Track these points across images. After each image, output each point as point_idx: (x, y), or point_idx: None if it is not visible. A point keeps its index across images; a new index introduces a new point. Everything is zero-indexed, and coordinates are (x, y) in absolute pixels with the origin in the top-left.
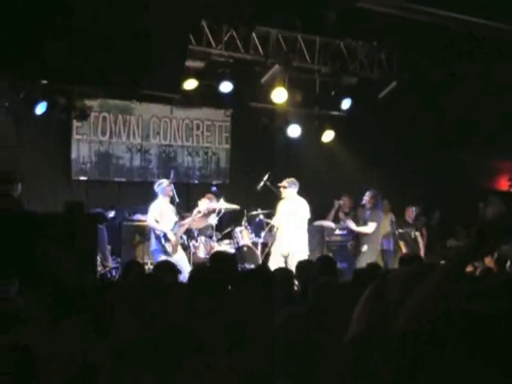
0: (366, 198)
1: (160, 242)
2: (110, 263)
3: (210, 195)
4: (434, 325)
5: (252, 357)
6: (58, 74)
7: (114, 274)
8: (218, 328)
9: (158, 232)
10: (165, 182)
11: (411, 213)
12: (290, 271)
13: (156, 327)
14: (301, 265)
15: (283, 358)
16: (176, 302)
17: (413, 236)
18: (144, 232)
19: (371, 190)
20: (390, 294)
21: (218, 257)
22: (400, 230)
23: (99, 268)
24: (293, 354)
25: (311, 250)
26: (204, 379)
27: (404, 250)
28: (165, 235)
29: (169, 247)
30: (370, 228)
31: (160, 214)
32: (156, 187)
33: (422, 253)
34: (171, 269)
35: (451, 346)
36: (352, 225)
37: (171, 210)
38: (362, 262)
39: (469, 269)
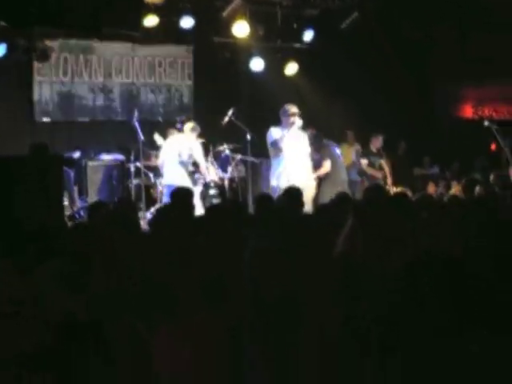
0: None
1: None
2: (78, 204)
3: (171, 130)
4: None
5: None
6: (16, 15)
7: (81, 214)
8: (192, 266)
9: None
10: None
11: (377, 142)
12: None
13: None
14: (258, 198)
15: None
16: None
17: (377, 165)
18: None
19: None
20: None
21: (178, 193)
22: (364, 160)
23: (67, 211)
24: (264, 288)
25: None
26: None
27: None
28: None
29: None
30: (324, 169)
31: None
32: None
33: (388, 181)
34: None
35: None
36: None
37: None
38: (325, 197)
39: (431, 191)
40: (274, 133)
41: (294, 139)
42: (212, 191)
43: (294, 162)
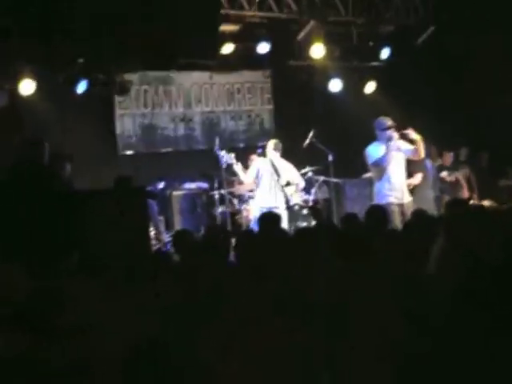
0: None
1: None
2: (164, 237)
3: (253, 156)
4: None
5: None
6: (95, 52)
7: (168, 248)
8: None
9: None
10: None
11: (449, 158)
12: (336, 226)
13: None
14: (346, 217)
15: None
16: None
17: (453, 179)
18: (195, 199)
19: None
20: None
21: (265, 218)
22: (444, 173)
23: (154, 242)
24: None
25: (361, 204)
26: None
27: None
28: None
29: None
30: (416, 179)
31: None
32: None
33: (465, 194)
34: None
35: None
36: None
37: None
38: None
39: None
40: (372, 151)
41: (393, 154)
42: (304, 211)
43: (397, 177)
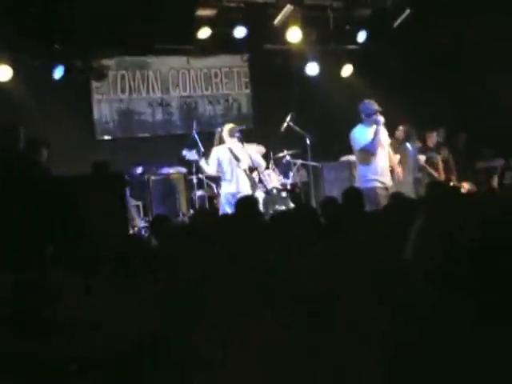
0: (398, 131)
1: None
2: (139, 223)
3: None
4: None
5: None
6: (71, 37)
7: (143, 233)
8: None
9: None
10: None
11: (432, 137)
12: (315, 209)
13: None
14: (325, 201)
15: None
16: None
17: (435, 160)
18: (173, 184)
19: (404, 123)
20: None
21: (243, 203)
22: (421, 156)
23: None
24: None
25: (340, 187)
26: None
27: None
28: None
29: None
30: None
31: None
32: None
33: (441, 176)
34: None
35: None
36: None
37: None
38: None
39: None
40: (359, 135)
41: (381, 136)
42: (283, 194)
43: (381, 161)
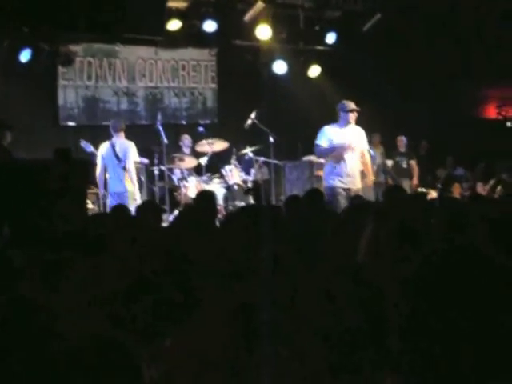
0: None
1: None
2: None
3: (185, 135)
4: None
5: (242, 293)
6: (40, 19)
7: None
8: (209, 267)
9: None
10: None
11: (401, 142)
12: (279, 207)
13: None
14: (288, 200)
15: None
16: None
17: (405, 165)
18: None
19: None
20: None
21: (203, 196)
22: (389, 161)
23: None
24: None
25: (300, 186)
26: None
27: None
28: None
29: None
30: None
31: None
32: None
33: (414, 181)
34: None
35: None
36: None
37: None
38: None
39: (456, 192)
40: (329, 131)
41: (350, 137)
42: (243, 191)
43: (351, 163)
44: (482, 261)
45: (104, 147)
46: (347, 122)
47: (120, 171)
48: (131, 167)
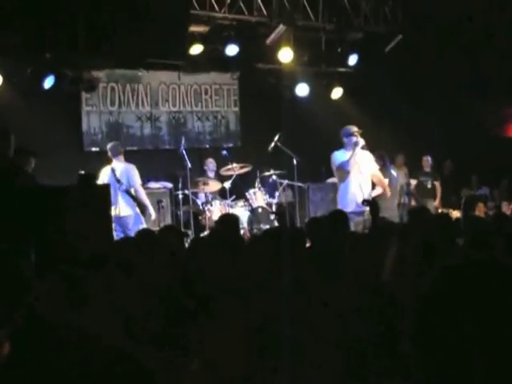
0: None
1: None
2: None
3: (210, 159)
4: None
5: (262, 316)
6: (62, 46)
7: None
8: (232, 291)
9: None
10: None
11: (426, 162)
12: (301, 230)
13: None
14: (311, 222)
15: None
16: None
17: (429, 185)
18: (158, 200)
19: (376, 152)
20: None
21: (225, 219)
22: (413, 181)
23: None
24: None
25: (324, 208)
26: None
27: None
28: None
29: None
30: (376, 191)
31: None
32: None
33: (437, 201)
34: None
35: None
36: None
37: None
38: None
39: (480, 212)
40: (339, 156)
41: (359, 160)
42: (268, 214)
43: (361, 185)
44: (498, 273)
45: (104, 172)
46: (353, 145)
47: (123, 195)
48: (139, 188)
